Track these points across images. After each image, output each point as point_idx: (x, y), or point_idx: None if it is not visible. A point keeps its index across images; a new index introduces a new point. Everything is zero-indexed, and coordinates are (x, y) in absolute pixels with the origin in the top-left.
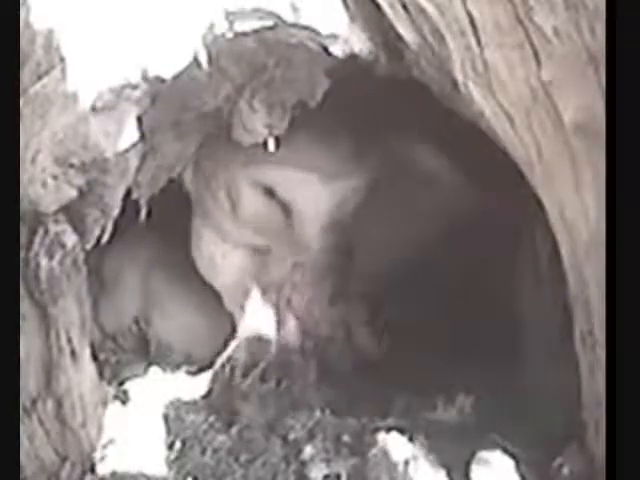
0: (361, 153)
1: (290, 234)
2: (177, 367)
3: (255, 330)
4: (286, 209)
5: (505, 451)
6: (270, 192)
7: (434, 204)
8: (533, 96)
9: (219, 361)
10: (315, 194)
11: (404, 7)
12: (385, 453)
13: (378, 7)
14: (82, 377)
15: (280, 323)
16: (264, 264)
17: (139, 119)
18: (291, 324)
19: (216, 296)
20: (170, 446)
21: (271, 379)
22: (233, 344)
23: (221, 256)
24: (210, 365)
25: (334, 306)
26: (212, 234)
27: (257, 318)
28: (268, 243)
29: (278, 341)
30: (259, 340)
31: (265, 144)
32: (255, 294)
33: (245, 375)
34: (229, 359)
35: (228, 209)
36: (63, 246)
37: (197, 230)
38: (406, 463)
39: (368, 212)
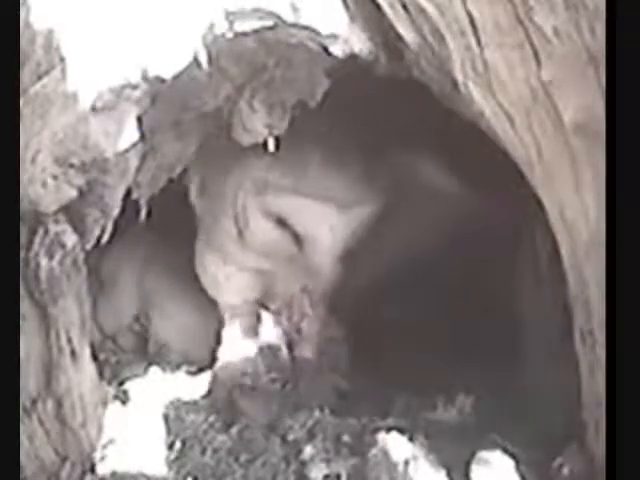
0: (370, 174)
1: (299, 261)
2: (177, 367)
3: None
4: (297, 239)
5: (505, 451)
6: (282, 222)
7: (436, 207)
8: (533, 96)
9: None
10: (331, 224)
11: (404, 7)
12: (385, 453)
13: (378, 7)
14: (82, 377)
15: (288, 338)
16: (269, 286)
17: (139, 119)
18: (298, 340)
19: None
20: (170, 446)
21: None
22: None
23: (224, 277)
24: (210, 365)
25: (337, 310)
26: (214, 257)
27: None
28: (274, 268)
29: (284, 353)
30: (269, 350)
31: (265, 144)
32: (262, 315)
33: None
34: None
35: (235, 235)
36: (63, 246)
37: (201, 249)
38: (406, 463)
39: (374, 224)
